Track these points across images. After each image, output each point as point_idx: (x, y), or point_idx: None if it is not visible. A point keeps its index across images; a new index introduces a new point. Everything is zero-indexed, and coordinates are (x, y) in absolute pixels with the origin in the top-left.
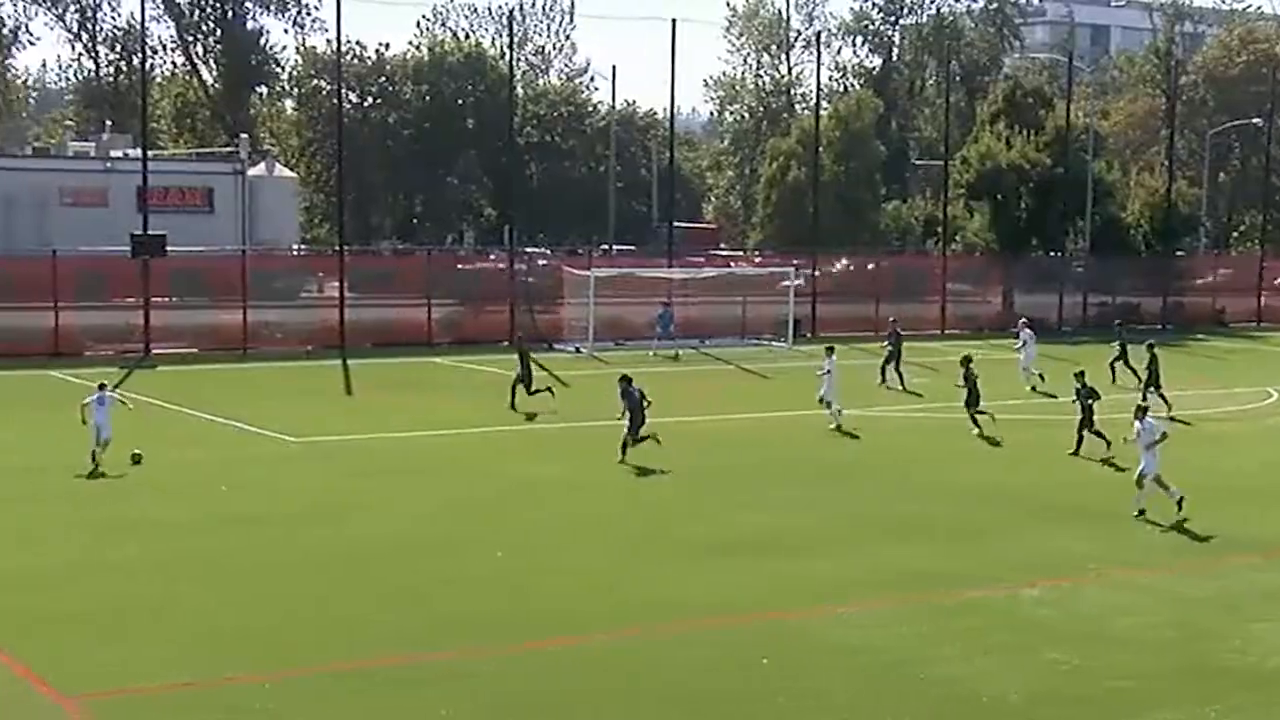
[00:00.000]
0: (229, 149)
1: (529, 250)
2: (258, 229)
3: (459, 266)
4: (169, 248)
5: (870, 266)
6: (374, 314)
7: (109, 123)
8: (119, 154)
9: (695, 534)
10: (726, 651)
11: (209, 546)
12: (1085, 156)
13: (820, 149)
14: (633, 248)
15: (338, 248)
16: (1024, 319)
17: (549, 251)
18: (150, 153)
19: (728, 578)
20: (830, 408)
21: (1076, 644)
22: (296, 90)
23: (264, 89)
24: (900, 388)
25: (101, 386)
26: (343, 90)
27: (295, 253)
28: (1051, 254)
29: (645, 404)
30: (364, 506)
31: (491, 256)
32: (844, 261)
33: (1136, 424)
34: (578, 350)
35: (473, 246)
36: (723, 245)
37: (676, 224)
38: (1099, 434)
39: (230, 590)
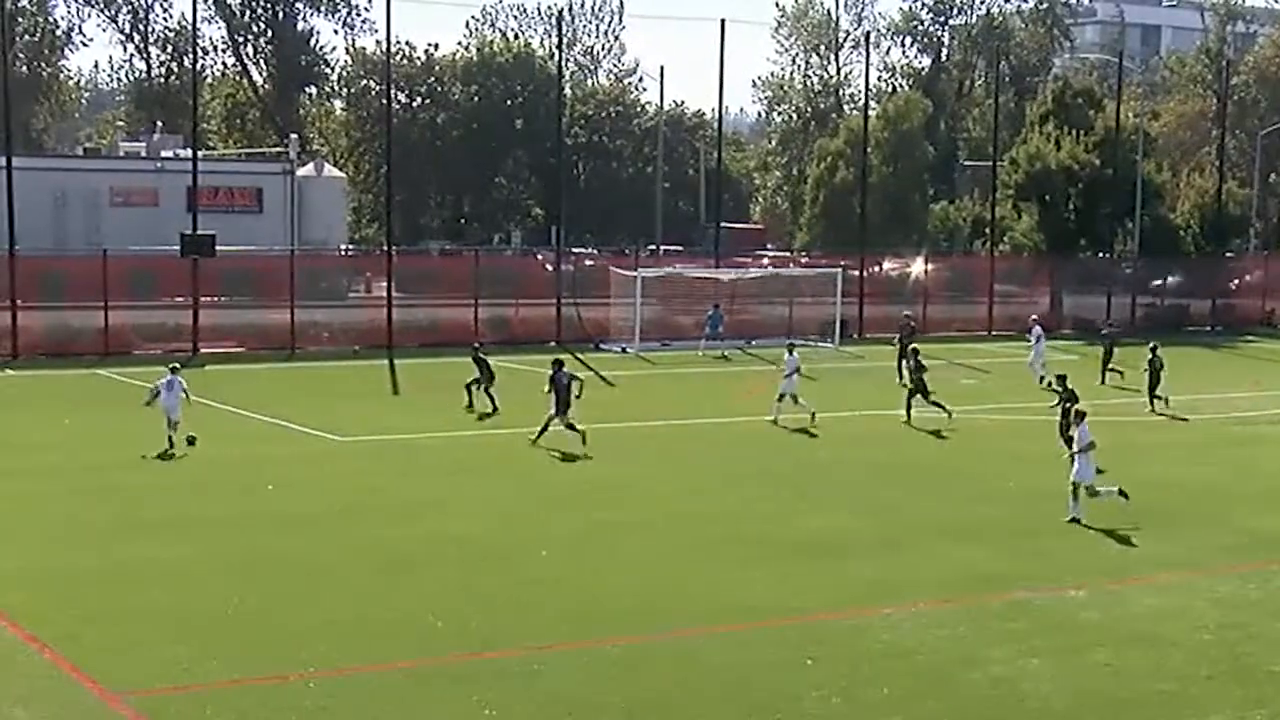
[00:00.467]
0: (278, 149)
1: (576, 250)
2: (306, 229)
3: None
4: (218, 247)
5: (930, 267)
6: (421, 314)
7: (160, 123)
8: (169, 154)
9: (750, 535)
10: (780, 652)
11: (257, 545)
12: (1135, 157)
13: (868, 150)
14: (679, 248)
15: (385, 247)
16: (1034, 317)
17: (596, 251)
18: (200, 153)
19: (783, 579)
20: (796, 402)
21: (1122, 646)
22: (346, 91)
23: (313, 89)
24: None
25: (174, 370)
26: (392, 91)
27: (343, 253)
28: (1100, 255)
29: (576, 394)
30: (412, 505)
31: (539, 256)
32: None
33: (1074, 429)
34: (624, 350)
35: (520, 246)
36: (769, 246)
37: (723, 224)
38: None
39: (281, 589)
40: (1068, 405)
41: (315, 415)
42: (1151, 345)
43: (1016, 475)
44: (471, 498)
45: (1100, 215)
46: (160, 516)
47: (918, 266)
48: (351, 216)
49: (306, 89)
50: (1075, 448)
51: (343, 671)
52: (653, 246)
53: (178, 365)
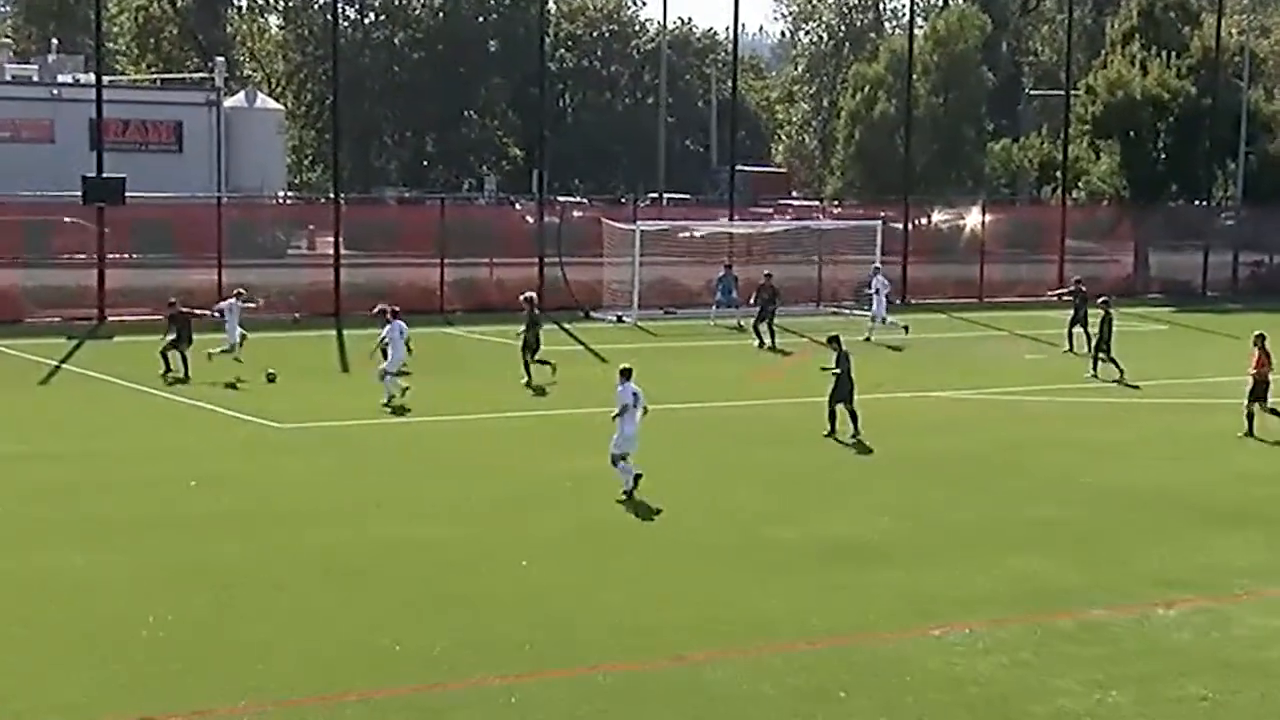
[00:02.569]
0: (201, 75)
1: (562, 200)
2: (236, 172)
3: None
4: (128, 194)
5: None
6: (376, 276)
7: (56, 41)
8: (67, 79)
9: (774, 540)
10: (804, 680)
11: (177, 553)
12: (1239, 83)
13: (914, 77)
14: (687, 197)
15: (332, 195)
16: (876, 265)
17: (586, 201)
18: (106, 78)
19: (806, 593)
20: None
21: (1222, 676)
22: (283, 4)
23: (243, 2)
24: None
25: (238, 294)
26: (339, 4)
27: (281, 201)
28: (1194, 203)
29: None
30: (365, 506)
31: (518, 207)
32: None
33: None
34: (619, 320)
35: (495, 195)
36: (795, 194)
37: (740, 168)
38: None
39: (207, 605)
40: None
41: (247, 397)
42: (1103, 301)
43: (1091, 469)
44: (435, 495)
45: (1195, 155)
46: (59, 518)
47: (973, 218)
48: (291, 157)
49: (235, 2)
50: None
51: (283, 704)
52: (654, 195)
53: (241, 291)
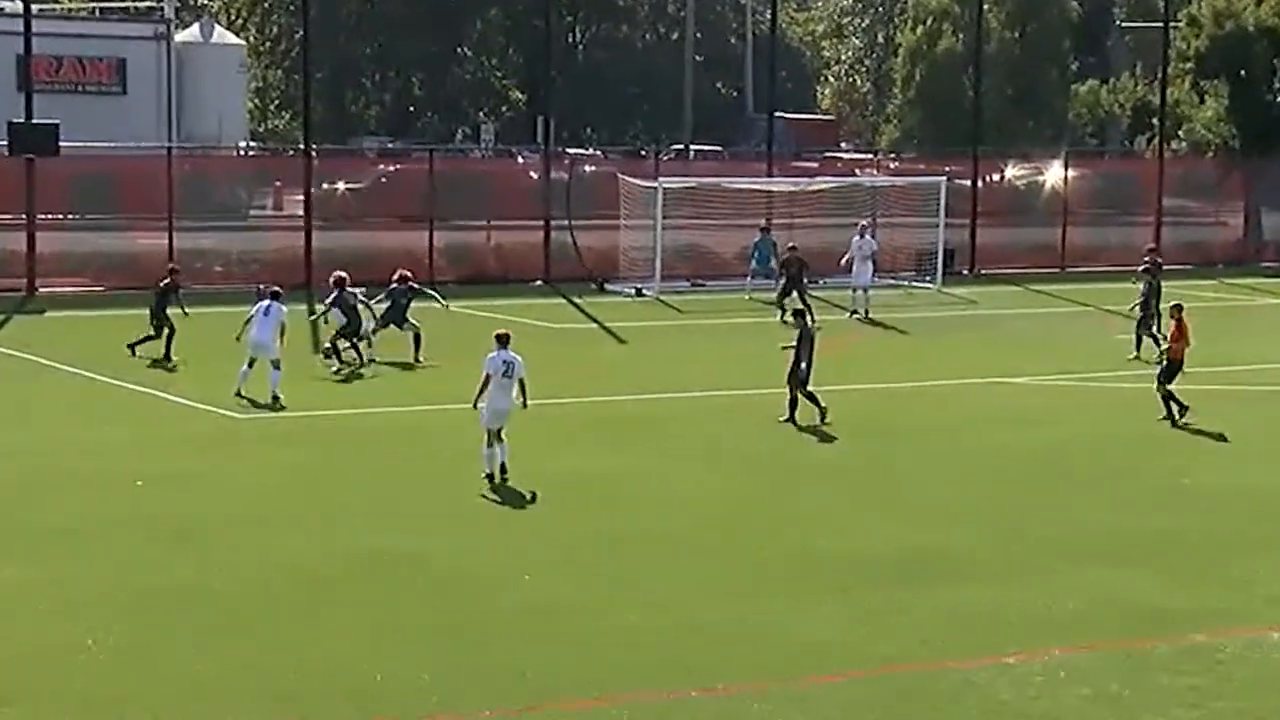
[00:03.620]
0: (148, 4)
1: (572, 151)
2: (189, 118)
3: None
4: (63, 143)
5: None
6: (353, 241)
7: None
8: None
9: (824, 553)
10: (860, 715)
11: (120, 566)
12: None
13: (985, 6)
14: (719, 149)
15: (303, 146)
16: (863, 224)
17: (601, 153)
18: (35, 7)
19: (867, 614)
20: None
21: None
22: None
23: None
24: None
25: (275, 295)
26: None
27: (242, 153)
28: None
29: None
30: (337, 509)
31: (520, 160)
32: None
33: None
34: (638, 293)
35: (493, 146)
36: (845, 145)
37: (779, 115)
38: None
39: (153, 627)
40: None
41: (202, 382)
42: (1144, 268)
43: (1197, 469)
44: (418, 498)
45: None
46: None
47: (1054, 173)
48: (254, 102)
49: None
50: None
51: None
52: (679, 146)
53: (278, 290)
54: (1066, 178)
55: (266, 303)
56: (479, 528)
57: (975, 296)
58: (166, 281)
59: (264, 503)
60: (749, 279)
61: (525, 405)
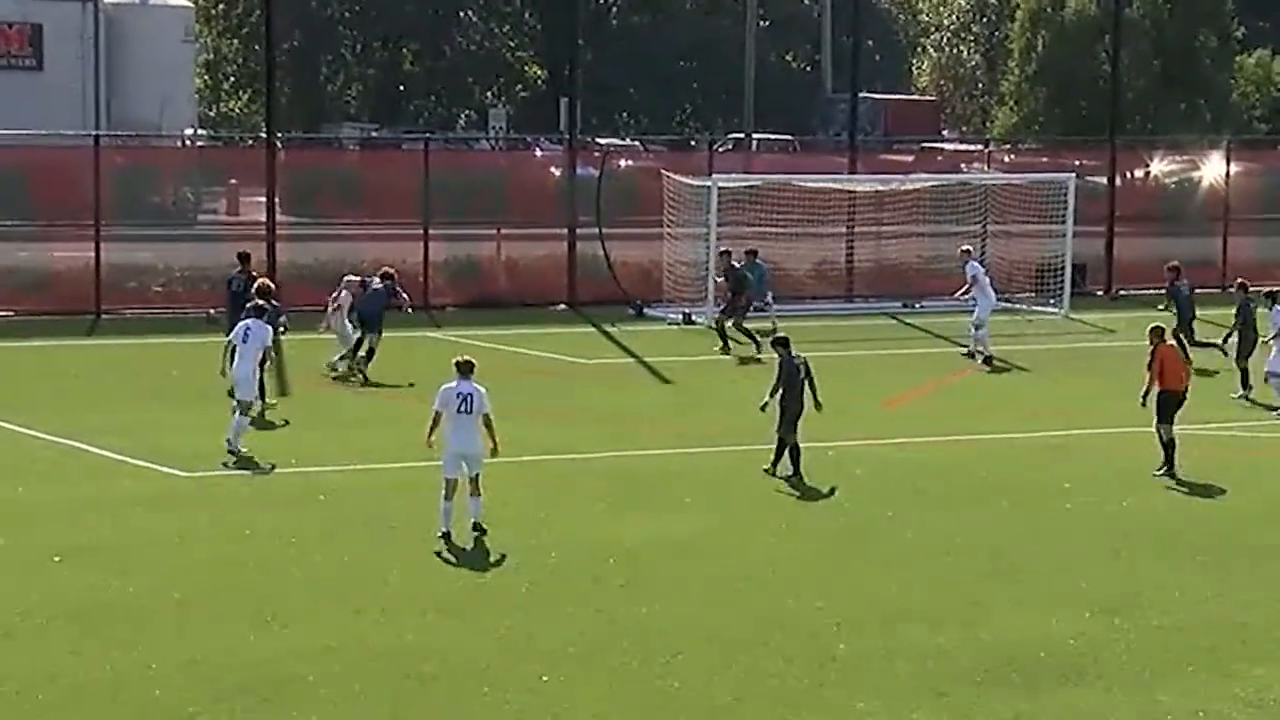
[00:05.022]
0: None
1: (603, 142)
2: (123, 100)
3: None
4: None
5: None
6: (328, 251)
7: None
8: None
9: (920, 647)
10: None
11: (36, 663)
12: None
13: None
14: (789, 138)
15: (265, 135)
16: (965, 248)
17: (639, 145)
18: None
19: None
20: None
21: None
22: None
23: None
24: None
25: (258, 312)
26: None
27: (189, 143)
28: None
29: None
30: (304, 591)
31: (538, 153)
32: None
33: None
34: (687, 319)
35: (504, 135)
36: (948, 133)
37: (865, 95)
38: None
39: None
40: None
41: (138, 431)
42: (1241, 284)
43: None
44: (401, 578)
45: None
46: None
47: (1213, 167)
48: (204, 79)
49: None
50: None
51: None
52: (739, 135)
53: (259, 304)
54: (1229, 174)
55: (247, 323)
56: (473, 613)
57: (1111, 324)
58: None
59: (210, 583)
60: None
61: (496, 449)
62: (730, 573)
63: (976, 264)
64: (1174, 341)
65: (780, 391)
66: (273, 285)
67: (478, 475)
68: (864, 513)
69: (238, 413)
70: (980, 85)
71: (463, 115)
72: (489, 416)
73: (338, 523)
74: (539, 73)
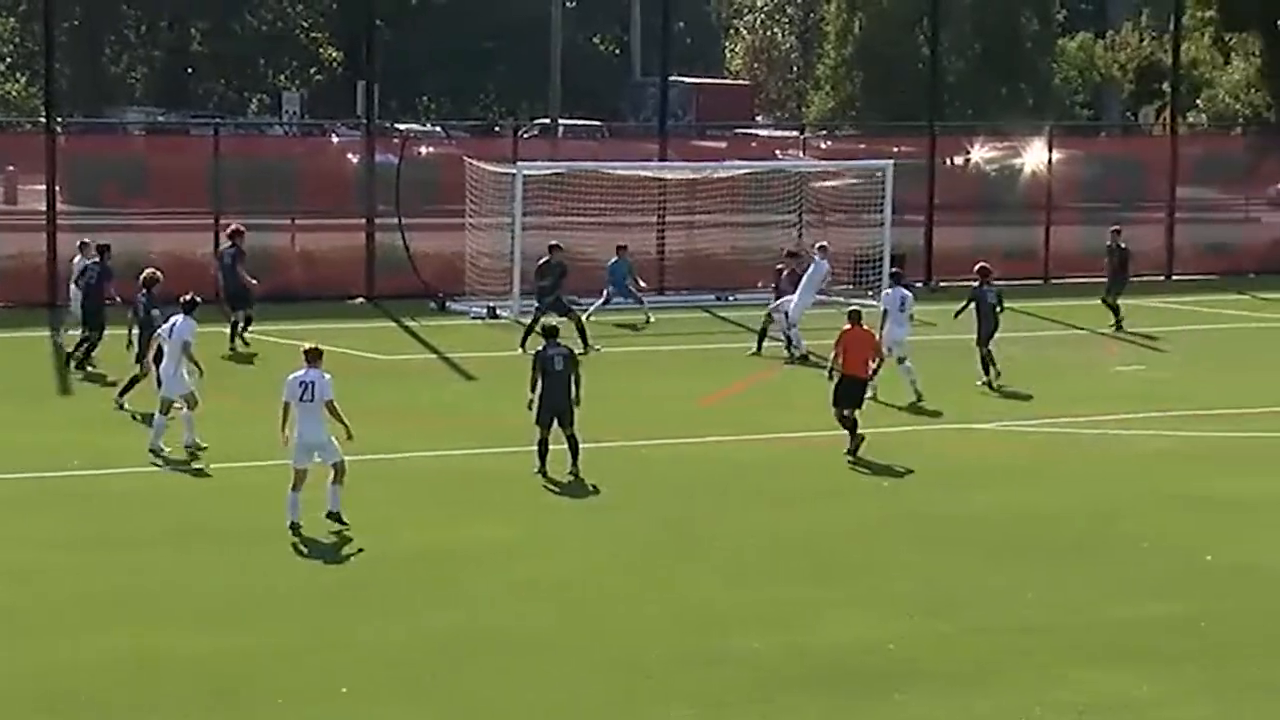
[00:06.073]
0: None
1: (403, 127)
2: None
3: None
4: None
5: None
6: (114, 243)
7: None
8: None
9: (738, 653)
10: None
11: None
12: None
13: None
14: (597, 124)
15: (44, 120)
16: (1115, 228)
17: (440, 130)
18: None
19: None
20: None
21: None
22: None
23: None
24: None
25: (188, 307)
26: None
27: None
28: None
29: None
30: (108, 601)
31: (334, 138)
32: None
33: None
34: (491, 313)
35: (299, 120)
36: (762, 118)
37: (676, 79)
38: None
39: None
40: None
41: None
42: (1114, 229)
43: (1221, 543)
44: (214, 583)
45: None
46: None
47: (1035, 154)
48: None
49: None
50: None
51: None
52: (544, 120)
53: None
54: (1051, 161)
55: (178, 318)
56: (288, 621)
57: (930, 317)
58: None
59: (10, 596)
60: (602, 297)
61: (349, 436)
62: (539, 576)
63: (824, 263)
64: (868, 328)
65: (538, 385)
66: (159, 276)
67: (338, 463)
68: (680, 514)
69: (159, 412)
70: (795, 69)
71: (255, 99)
72: (333, 403)
73: (145, 523)
74: (335, 54)
